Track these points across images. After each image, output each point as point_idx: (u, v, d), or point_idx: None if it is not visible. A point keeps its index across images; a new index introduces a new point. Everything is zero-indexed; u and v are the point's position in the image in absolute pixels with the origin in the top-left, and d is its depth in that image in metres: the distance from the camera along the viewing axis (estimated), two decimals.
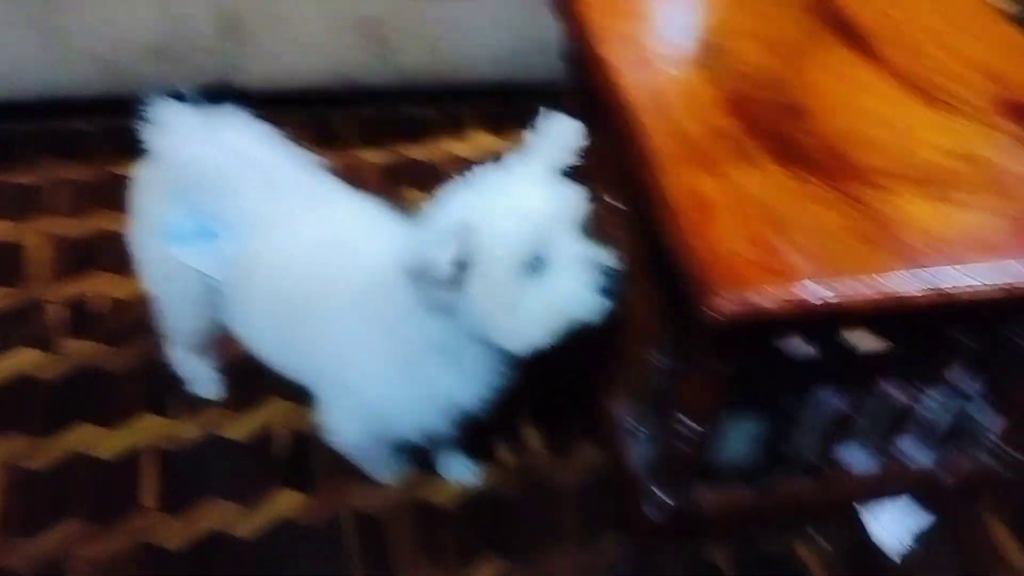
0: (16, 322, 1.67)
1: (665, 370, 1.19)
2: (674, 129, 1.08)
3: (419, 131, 2.19)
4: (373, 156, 2.11)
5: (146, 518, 1.41)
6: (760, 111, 1.12)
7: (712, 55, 1.20)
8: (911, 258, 0.96)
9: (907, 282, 0.94)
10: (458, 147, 2.17)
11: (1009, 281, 0.96)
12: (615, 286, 0.97)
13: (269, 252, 1.18)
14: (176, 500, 1.44)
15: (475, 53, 2.07)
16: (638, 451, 1.28)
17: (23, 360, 1.61)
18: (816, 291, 0.91)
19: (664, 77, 1.15)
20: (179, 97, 1.18)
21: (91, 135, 2.08)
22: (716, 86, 1.15)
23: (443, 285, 0.94)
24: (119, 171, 1.92)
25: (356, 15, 1.95)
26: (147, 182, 1.27)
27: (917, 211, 1.02)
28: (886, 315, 0.95)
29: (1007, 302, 0.97)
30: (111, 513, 1.41)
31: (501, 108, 2.22)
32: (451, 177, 0.98)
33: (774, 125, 1.11)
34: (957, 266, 0.95)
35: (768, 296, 0.90)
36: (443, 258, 0.92)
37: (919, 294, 0.93)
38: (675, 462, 1.16)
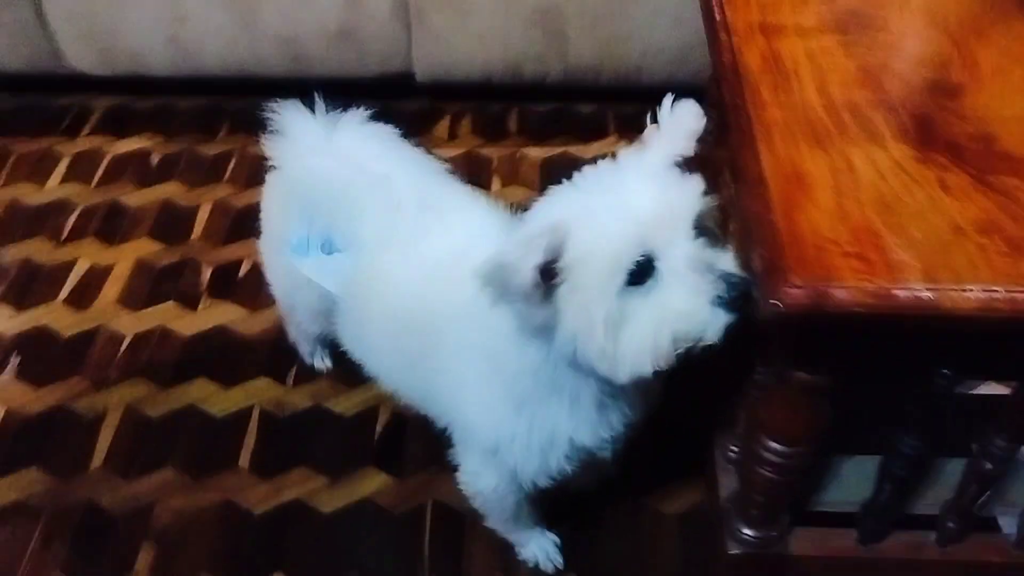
0: (172, 278, 1.75)
1: (763, 386, 1.02)
2: (792, 100, 0.92)
3: (589, 130, 2.10)
4: (537, 152, 2.05)
5: (238, 478, 1.42)
6: (902, 87, 0.94)
7: (856, 21, 1.02)
8: None
9: None
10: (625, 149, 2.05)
11: None
12: (743, 298, 0.80)
13: (387, 271, 1.09)
14: (270, 465, 1.43)
15: (653, 51, 1.95)
16: (729, 480, 1.11)
17: (167, 313, 1.68)
18: (917, 293, 0.73)
19: (794, 43, 0.99)
20: (306, 103, 1.15)
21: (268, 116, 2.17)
22: (855, 57, 0.97)
23: (530, 298, 0.79)
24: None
25: (532, 4, 1.89)
26: (273, 192, 1.26)
27: None
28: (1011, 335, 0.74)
29: None
30: (207, 469, 1.43)
31: None
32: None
33: (916, 103, 0.92)
34: None
35: (852, 291, 0.73)
36: (526, 264, 0.76)
37: None
38: (758, 490, 0.99)
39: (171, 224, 1.87)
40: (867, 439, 1.07)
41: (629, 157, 0.87)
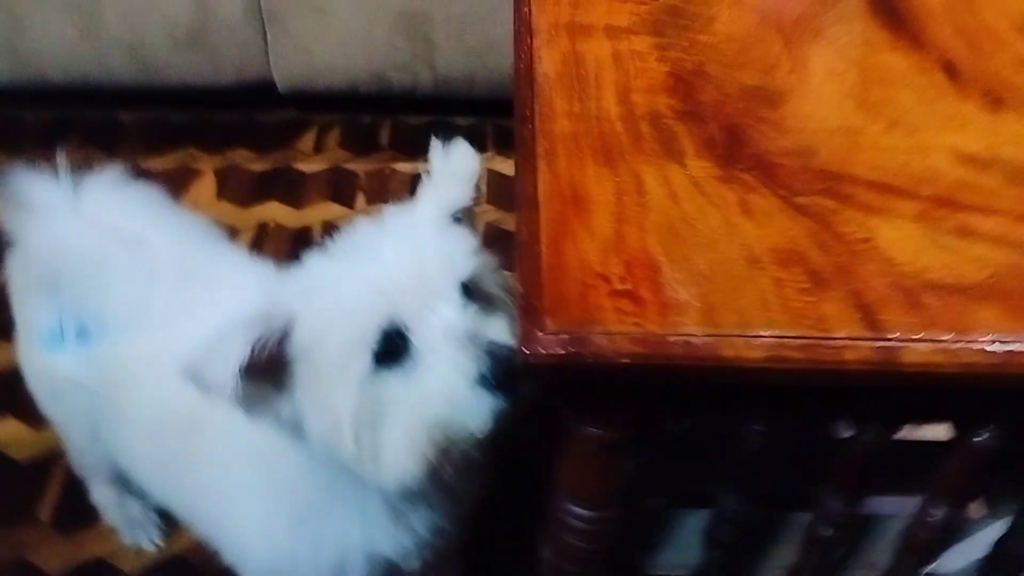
0: None
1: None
2: (587, 109, 0.80)
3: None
4: (408, 167, 1.92)
5: (36, 533, 1.26)
6: (716, 94, 0.82)
7: (675, 22, 0.90)
8: (864, 308, 0.63)
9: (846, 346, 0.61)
10: (505, 165, 1.93)
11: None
12: (512, 374, 0.67)
13: (141, 356, 0.91)
14: (73, 519, 1.28)
15: None
16: (544, 546, 0.98)
17: None
18: (692, 340, 0.60)
19: (601, 45, 0.87)
20: (49, 170, 0.96)
21: (124, 126, 2.01)
22: (668, 61, 0.85)
23: (240, 399, 0.66)
24: (147, 165, 1.85)
25: (397, 8, 1.76)
26: (17, 277, 1.03)
27: (897, 236, 0.68)
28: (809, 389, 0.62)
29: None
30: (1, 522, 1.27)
31: None
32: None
33: (730, 113, 0.80)
34: (941, 333, 0.61)
35: (615, 338, 0.60)
36: (224, 360, 0.64)
37: (864, 366, 0.60)
38: (569, 560, 0.85)
39: None
40: (701, 491, 0.95)
41: (394, 214, 0.77)
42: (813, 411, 0.72)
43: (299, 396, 0.70)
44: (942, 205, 0.73)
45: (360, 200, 1.83)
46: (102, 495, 1.24)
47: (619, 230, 0.68)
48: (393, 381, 0.68)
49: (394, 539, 0.84)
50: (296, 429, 0.72)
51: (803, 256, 0.67)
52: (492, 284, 0.75)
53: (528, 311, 0.62)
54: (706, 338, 0.61)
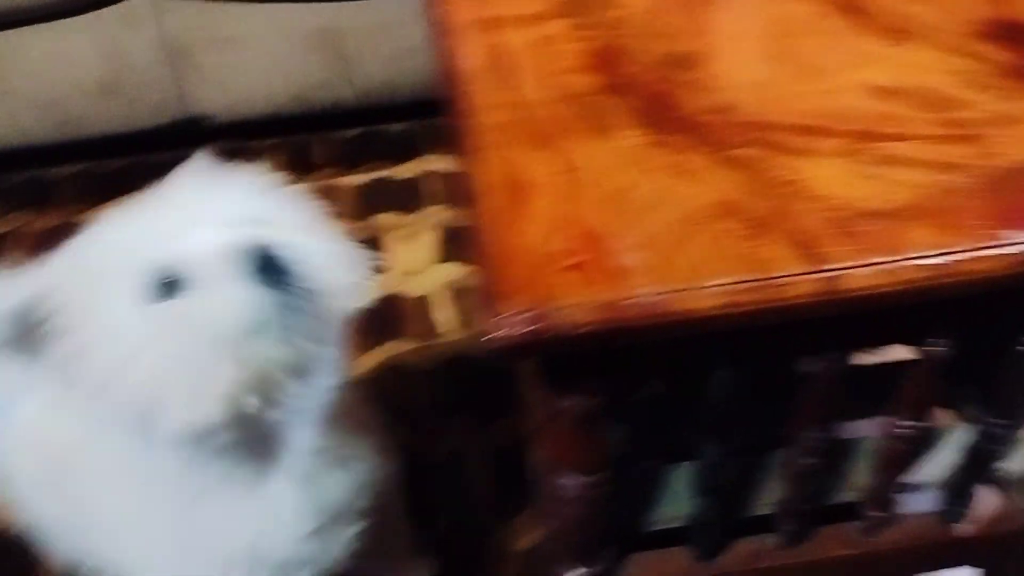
0: None
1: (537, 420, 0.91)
2: (512, 98, 0.82)
3: (401, 150, 1.98)
4: (351, 179, 1.92)
5: None
6: (634, 65, 0.84)
7: (583, 2, 0.92)
8: (802, 244, 0.66)
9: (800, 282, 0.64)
10: (443, 164, 1.95)
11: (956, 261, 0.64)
12: (273, 264, 0.63)
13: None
14: None
15: None
16: (544, 520, 1.00)
17: None
18: (644, 300, 0.63)
19: (514, 35, 0.89)
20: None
21: (58, 183, 1.98)
22: (583, 40, 0.88)
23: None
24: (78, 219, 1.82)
25: (307, 27, 1.76)
26: None
27: (824, 174, 0.71)
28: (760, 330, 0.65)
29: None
30: None
31: None
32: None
33: (650, 81, 0.82)
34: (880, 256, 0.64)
35: (573, 310, 0.62)
36: None
37: (810, 298, 0.63)
38: (568, 527, 0.88)
39: None
40: (685, 444, 0.98)
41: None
42: (770, 350, 0.75)
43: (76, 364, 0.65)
44: (861, 139, 0.76)
45: None
46: None
47: (559, 210, 0.70)
48: (167, 314, 0.63)
49: (267, 524, 0.77)
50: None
51: (738, 206, 0.70)
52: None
53: (487, 298, 0.64)
54: (656, 296, 0.63)
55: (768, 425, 0.89)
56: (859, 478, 1.04)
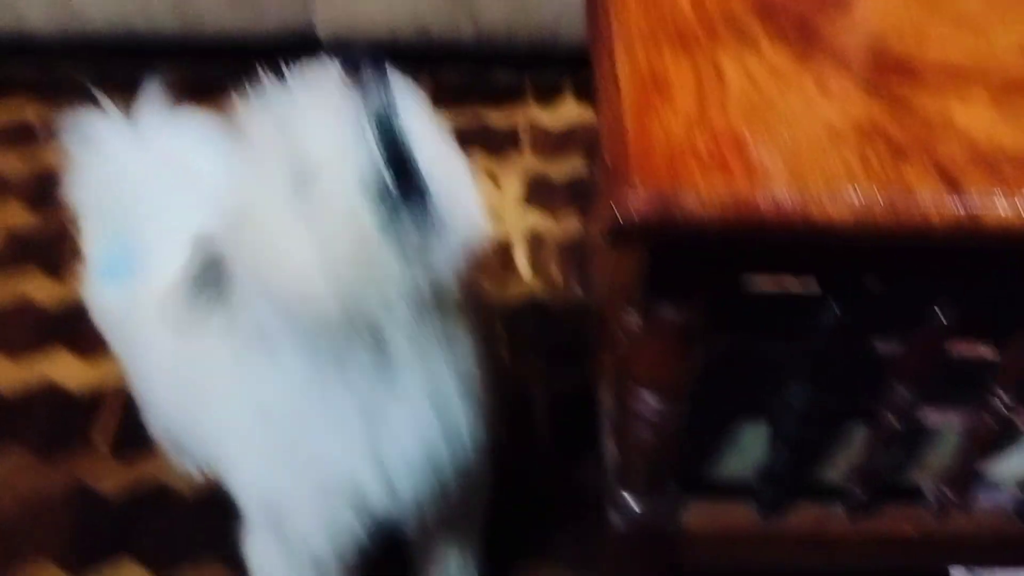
0: (40, 247, 1.61)
1: (631, 332, 0.90)
2: (660, 5, 0.81)
3: (505, 97, 1.98)
4: (450, 117, 1.92)
5: (93, 460, 1.29)
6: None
7: None
8: (946, 175, 0.64)
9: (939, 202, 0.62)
10: (543, 116, 1.95)
11: None
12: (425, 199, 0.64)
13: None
14: (129, 445, 1.30)
15: (569, 13, 1.84)
16: (610, 443, 0.99)
17: (30, 282, 1.54)
18: (782, 200, 0.62)
19: None
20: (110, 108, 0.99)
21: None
22: None
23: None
24: None
25: None
26: (81, 212, 1.04)
27: (972, 116, 0.70)
28: (899, 245, 0.64)
29: None
30: (59, 449, 1.30)
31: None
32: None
33: (803, 10, 0.81)
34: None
35: (705, 198, 0.62)
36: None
37: (950, 225, 0.62)
38: (638, 454, 0.87)
39: (48, 193, 1.72)
40: (767, 401, 0.96)
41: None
42: (896, 273, 0.73)
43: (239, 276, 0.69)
44: (1012, 91, 0.74)
45: None
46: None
47: (702, 109, 0.70)
48: (301, 214, 0.65)
49: (378, 469, 0.77)
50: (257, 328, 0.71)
51: (884, 131, 0.68)
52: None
53: (617, 178, 0.64)
54: (794, 198, 0.62)
55: (868, 376, 0.87)
56: (938, 461, 1.01)
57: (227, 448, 0.85)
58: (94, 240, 1.03)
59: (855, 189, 0.63)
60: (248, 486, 0.85)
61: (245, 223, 0.68)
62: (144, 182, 0.94)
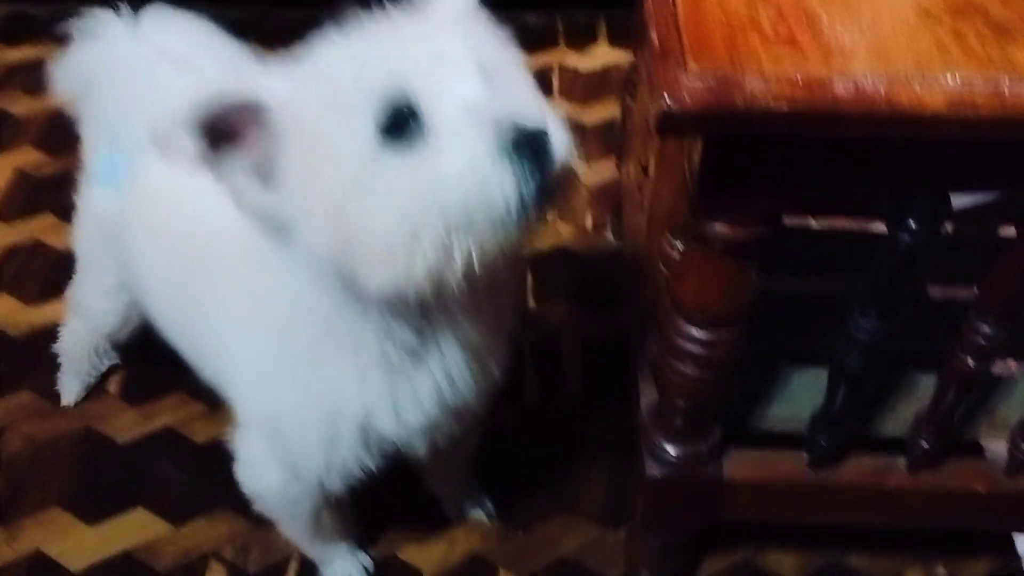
0: (53, 190, 1.54)
1: (677, 260, 0.82)
2: None
3: (535, 39, 1.88)
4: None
5: (103, 404, 1.24)
6: None
7: None
8: None
9: None
10: (578, 60, 1.85)
11: None
12: (542, 152, 0.55)
13: (165, 181, 0.85)
14: (141, 390, 1.25)
15: None
16: (650, 389, 0.91)
17: (43, 225, 1.49)
18: (863, 83, 0.53)
19: None
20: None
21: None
22: None
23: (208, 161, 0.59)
24: None
25: None
26: (83, 114, 1.00)
27: None
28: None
29: None
30: None
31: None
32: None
33: None
34: None
35: (771, 82, 0.53)
36: (183, 121, 0.57)
37: None
38: (679, 392, 0.79)
39: (60, 135, 1.66)
40: (821, 344, 0.87)
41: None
42: (996, 175, 0.63)
43: (286, 184, 0.60)
44: None
45: None
46: (78, 336, 1.19)
47: None
48: (398, 162, 0.56)
49: (392, 407, 0.72)
50: (283, 231, 0.63)
51: (982, 8, 0.59)
52: (515, 77, 0.62)
53: (668, 59, 0.55)
54: (878, 82, 0.53)
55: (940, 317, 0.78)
56: (1012, 414, 0.92)
57: (229, 356, 0.80)
58: (91, 149, 0.99)
59: (950, 71, 0.53)
60: (249, 398, 0.81)
61: (304, 140, 0.59)
62: (142, 75, 0.89)
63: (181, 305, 0.87)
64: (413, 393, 0.72)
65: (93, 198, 0.98)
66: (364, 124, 0.55)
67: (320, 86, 0.58)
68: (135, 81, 0.89)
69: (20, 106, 1.73)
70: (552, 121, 0.57)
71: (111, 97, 0.92)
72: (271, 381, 0.75)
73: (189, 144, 0.58)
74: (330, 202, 0.57)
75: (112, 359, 1.24)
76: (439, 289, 0.58)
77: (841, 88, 0.53)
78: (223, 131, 0.59)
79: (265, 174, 0.60)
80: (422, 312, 0.66)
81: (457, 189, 0.54)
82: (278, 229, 0.63)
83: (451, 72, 0.57)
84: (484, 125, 0.55)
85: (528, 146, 0.54)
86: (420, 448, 0.79)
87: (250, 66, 0.75)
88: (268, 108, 0.59)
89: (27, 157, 1.62)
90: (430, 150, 0.55)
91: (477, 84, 0.56)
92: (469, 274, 0.57)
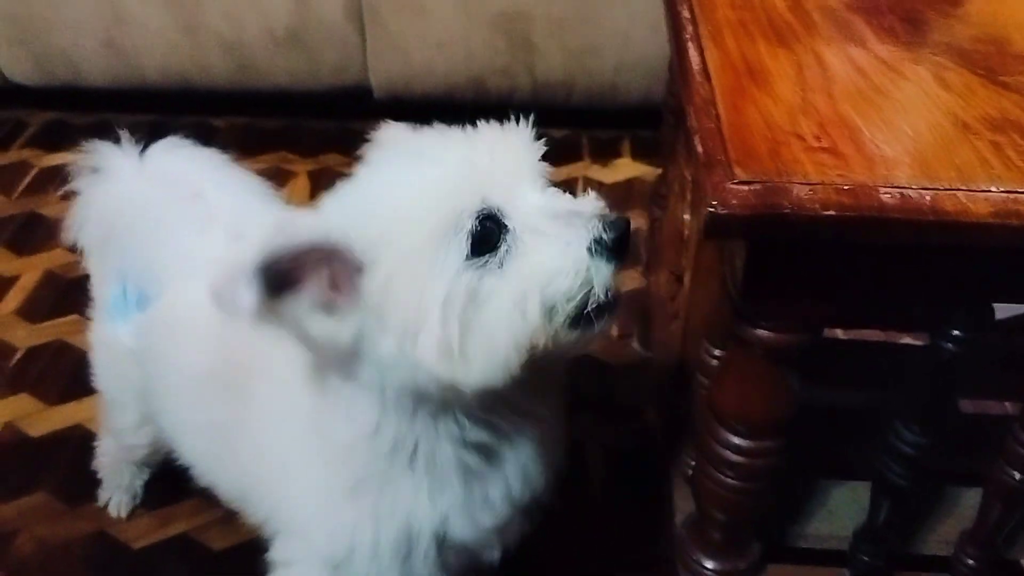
0: (81, 290, 1.54)
1: (716, 367, 0.81)
2: (751, 3, 0.74)
3: (561, 155, 1.93)
4: None
5: None
6: None
7: None
8: None
9: None
10: (602, 172, 1.89)
11: None
12: (625, 239, 0.61)
13: (187, 312, 0.84)
14: (157, 495, 1.23)
15: (629, 64, 1.80)
16: (685, 502, 0.89)
17: (68, 327, 1.50)
18: (908, 192, 0.53)
19: None
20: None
21: (221, 131, 2.01)
22: None
23: (263, 316, 0.59)
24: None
25: (497, 8, 1.74)
26: (88, 247, 0.99)
27: None
28: None
29: None
30: (84, 495, 1.22)
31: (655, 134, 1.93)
32: None
33: (908, 7, 0.74)
34: None
35: (818, 189, 0.53)
36: (245, 275, 0.57)
37: None
38: (718, 504, 0.77)
39: None
40: (861, 461, 0.85)
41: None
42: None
43: (368, 307, 0.61)
44: None
45: None
46: (111, 453, 1.17)
47: (806, 97, 0.62)
48: (488, 271, 0.60)
49: (467, 513, 0.73)
50: (347, 362, 0.64)
51: (1018, 124, 0.60)
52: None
53: (714, 166, 0.56)
54: (923, 191, 0.53)
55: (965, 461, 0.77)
56: None
57: (283, 491, 0.77)
58: (101, 279, 0.99)
59: (993, 182, 0.54)
60: (314, 533, 0.77)
61: (392, 264, 0.60)
62: (151, 209, 0.90)
63: (218, 440, 0.84)
64: (486, 494, 0.73)
65: (107, 333, 0.97)
66: (459, 242, 0.59)
67: (399, 204, 0.61)
68: (144, 220, 0.89)
69: (54, 209, 1.77)
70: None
71: (122, 237, 0.91)
72: (338, 511, 0.73)
73: (251, 297, 0.57)
74: (426, 313, 0.59)
75: (153, 468, 1.20)
76: (531, 375, 0.62)
77: (887, 195, 0.53)
78: (285, 276, 0.59)
79: (330, 304, 0.61)
80: (501, 406, 0.68)
81: (555, 282, 0.60)
82: (344, 354, 0.63)
83: (523, 183, 0.62)
84: (567, 223, 0.61)
85: (612, 230, 0.60)
86: (494, 551, 0.78)
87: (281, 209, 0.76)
88: (337, 242, 0.59)
89: (57, 259, 1.65)
90: (520, 254, 0.60)
91: (544, 192, 0.63)
92: (559, 356, 0.62)
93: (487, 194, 0.60)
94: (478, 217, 0.59)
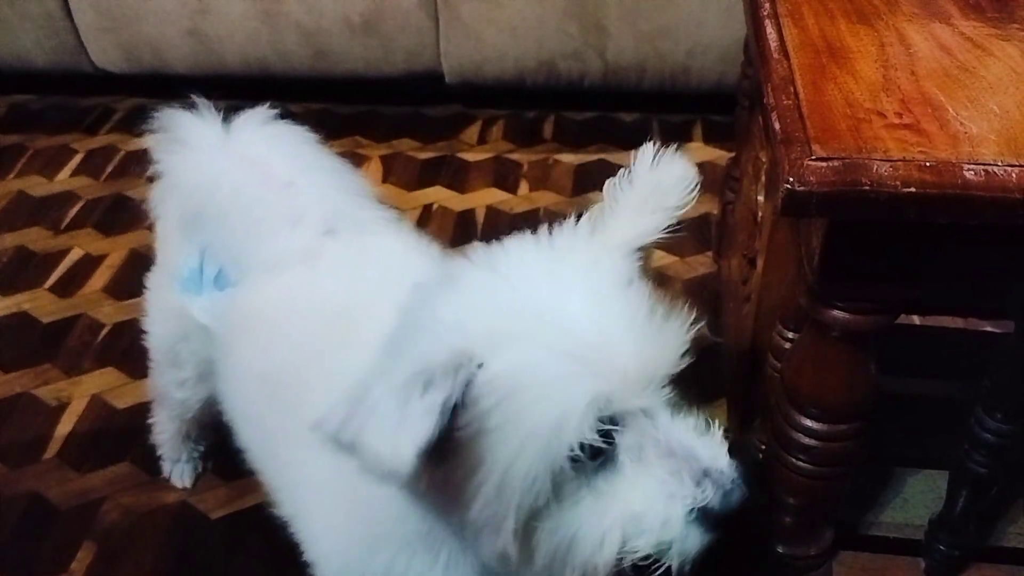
0: None
1: (789, 350, 0.80)
2: None
3: (630, 138, 1.92)
4: (571, 158, 1.88)
5: (199, 479, 1.26)
6: None
7: None
8: None
9: None
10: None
11: None
12: (732, 512, 0.54)
13: (265, 305, 0.82)
14: (235, 468, 1.24)
15: (702, 48, 1.78)
16: (758, 485, 0.88)
17: None
18: (993, 169, 0.52)
19: None
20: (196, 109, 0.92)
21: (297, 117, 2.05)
22: None
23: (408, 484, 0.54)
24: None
25: None
26: (163, 214, 0.98)
27: None
28: None
29: None
30: None
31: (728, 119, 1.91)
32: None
33: None
34: None
35: (899, 165, 0.53)
36: (405, 437, 0.49)
37: None
38: (790, 489, 0.76)
39: None
40: (937, 450, 0.84)
41: (571, 237, 0.60)
42: None
43: (464, 464, 0.53)
44: None
45: (523, 187, 1.81)
46: (165, 425, 1.19)
47: (888, 75, 0.61)
48: (580, 481, 0.54)
49: None
50: (423, 494, 0.58)
51: None
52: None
53: (792, 143, 0.55)
54: (1009, 167, 0.52)
55: None
56: None
57: (301, 502, 0.77)
58: (175, 248, 0.97)
59: None
60: (323, 554, 0.75)
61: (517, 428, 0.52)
62: (242, 196, 0.87)
63: (266, 436, 0.83)
64: None
65: (175, 301, 0.95)
66: (565, 449, 0.51)
67: (521, 370, 0.52)
68: (236, 206, 0.86)
69: (140, 191, 1.83)
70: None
71: (211, 217, 0.89)
72: (351, 559, 0.71)
73: (403, 464, 0.50)
74: (505, 515, 0.53)
75: (209, 439, 1.25)
76: None
77: (971, 173, 0.52)
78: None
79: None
80: None
81: (637, 527, 0.54)
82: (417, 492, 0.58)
83: (649, 393, 0.54)
84: (676, 466, 0.54)
85: (723, 503, 0.54)
86: None
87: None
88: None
89: (143, 239, 1.70)
90: (615, 479, 0.54)
91: (669, 410, 0.56)
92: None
93: (614, 394, 0.52)
94: (599, 426, 0.52)
